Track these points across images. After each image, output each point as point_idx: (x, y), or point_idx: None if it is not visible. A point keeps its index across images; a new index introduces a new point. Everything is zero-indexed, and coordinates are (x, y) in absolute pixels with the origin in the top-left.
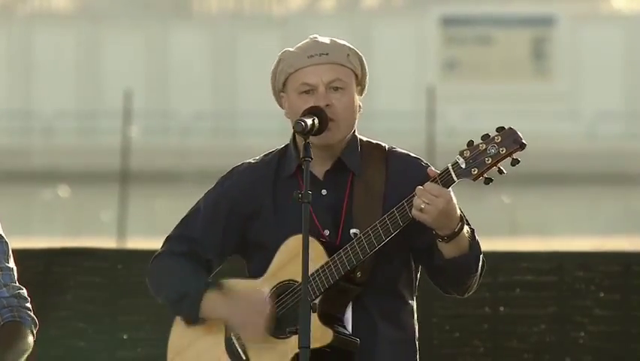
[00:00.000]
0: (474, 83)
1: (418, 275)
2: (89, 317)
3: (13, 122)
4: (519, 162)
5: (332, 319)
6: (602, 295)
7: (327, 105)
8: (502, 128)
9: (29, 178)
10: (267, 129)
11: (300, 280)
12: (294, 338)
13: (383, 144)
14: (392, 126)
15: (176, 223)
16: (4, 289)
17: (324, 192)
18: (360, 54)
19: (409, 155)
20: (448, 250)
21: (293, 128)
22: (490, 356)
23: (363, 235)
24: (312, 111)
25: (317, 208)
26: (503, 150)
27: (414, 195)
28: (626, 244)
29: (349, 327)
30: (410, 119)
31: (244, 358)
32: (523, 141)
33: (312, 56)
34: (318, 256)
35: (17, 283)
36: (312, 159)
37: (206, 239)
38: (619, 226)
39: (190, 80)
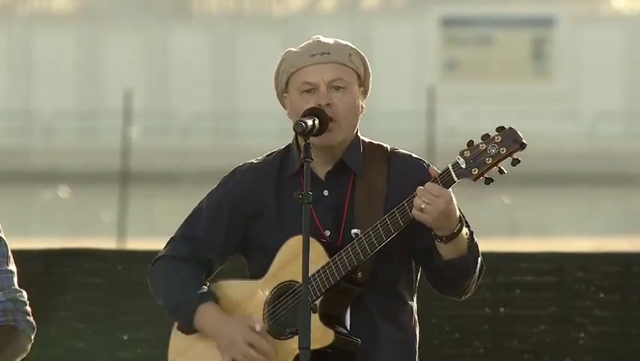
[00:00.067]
0: (474, 83)
1: (419, 276)
2: (89, 317)
3: (13, 123)
4: (519, 161)
5: (333, 319)
6: (602, 295)
7: (328, 104)
8: (503, 128)
9: (29, 179)
10: (267, 130)
11: (301, 280)
12: (296, 339)
13: (385, 145)
14: (392, 127)
15: (177, 224)
16: (1, 293)
17: (325, 192)
18: (363, 55)
19: (411, 156)
20: (446, 251)
21: (293, 128)
22: (491, 357)
23: (363, 236)
24: (312, 112)
25: (318, 209)
26: (504, 150)
27: (414, 196)
28: (626, 245)
29: (348, 327)
30: (410, 119)
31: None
32: (524, 141)
33: (314, 55)
34: (318, 256)
35: (16, 287)
36: (312, 159)
37: (209, 239)
38: (619, 226)
39: (190, 80)
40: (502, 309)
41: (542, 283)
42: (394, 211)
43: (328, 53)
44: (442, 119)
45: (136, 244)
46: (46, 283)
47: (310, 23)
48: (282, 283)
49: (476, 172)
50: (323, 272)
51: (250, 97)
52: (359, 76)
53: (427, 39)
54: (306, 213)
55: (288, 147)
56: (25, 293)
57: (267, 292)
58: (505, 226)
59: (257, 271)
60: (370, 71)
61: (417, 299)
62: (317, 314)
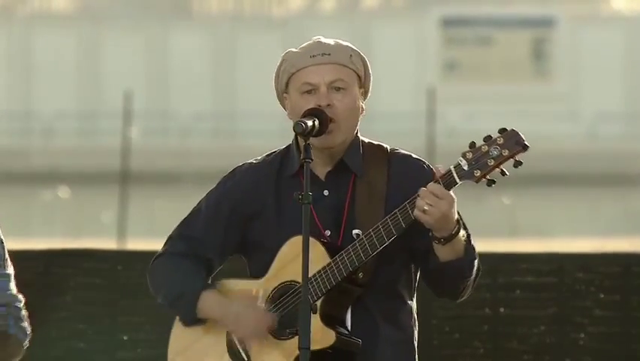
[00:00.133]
0: (474, 83)
1: (418, 276)
2: (88, 318)
3: (13, 123)
4: (521, 163)
5: (334, 320)
6: (602, 296)
7: (328, 105)
8: (505, 129)
9: (29, 179)
10: (267, 130)
11: (301, 280)
12: (296, 339)
13: (385, 146)
14: (392, 127)
15: (178, 223)
16: None
17: (325, 192)
18: (364, 56)
19: (411, 156)
20: (443, 252)
21: (293, 129)
22: (490, 357)
23: (365, 236)
24: (312, 112)
25: (319, 209)
26: (506, 152)
27: (417, 196)
28: (626, 245)
29: (349, 328)
30: (410, 120)
31: (245, 359)
32: (526, 143)
33: (314, 56)
34: (319, 256)
35: (13, 291)
36: (312, 160)
37: (208, 239)
38: (619, 227)
39: (190, 80)
40: (502, 309)
41: (542, 284)
42: (396, 212)
43: (329, 54)
44: (442, 119)
45: (136, 244)
46: (46, 284)
47: (310, 24)
48: (282, 283)
49: (478, 174)
50: (324, 273)
51: (250, 97)
52: (359, 77)
53: (427, 39)
54: (306, 213)
55: (288, 147)
56: (21, 298)
57: (267, 292)
58: (506, 227)
59: (257, 271)
60: (371, 72)
61: (416, 300)
62: (318, 315)
